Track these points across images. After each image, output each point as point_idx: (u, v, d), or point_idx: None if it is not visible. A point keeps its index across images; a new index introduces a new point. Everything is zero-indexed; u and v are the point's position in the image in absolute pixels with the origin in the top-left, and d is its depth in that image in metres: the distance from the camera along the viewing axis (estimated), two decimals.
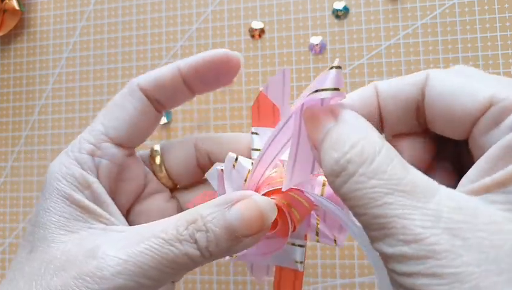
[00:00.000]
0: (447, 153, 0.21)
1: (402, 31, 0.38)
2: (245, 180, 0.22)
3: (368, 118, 0.18)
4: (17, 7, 0.43)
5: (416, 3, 0.38)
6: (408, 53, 0.37)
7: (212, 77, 0.24)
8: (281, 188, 0.20)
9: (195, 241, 0.19)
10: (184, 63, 0.24)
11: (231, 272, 0.38)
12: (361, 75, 0.38)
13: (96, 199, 0.22)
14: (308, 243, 0.37)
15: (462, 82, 0.17)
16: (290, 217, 0.20)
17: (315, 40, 0.39)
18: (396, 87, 0.19)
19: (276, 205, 0.20)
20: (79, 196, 0.21)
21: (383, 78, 0.37)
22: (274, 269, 0.25)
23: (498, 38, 0.36)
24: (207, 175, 0.24)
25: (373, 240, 0.16)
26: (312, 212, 0.23)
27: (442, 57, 0.37)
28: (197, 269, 0.38)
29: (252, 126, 0.24)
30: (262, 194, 0.20)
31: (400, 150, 0.20)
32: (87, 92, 0.42)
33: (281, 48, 0.39)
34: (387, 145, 0.16)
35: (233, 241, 0.19)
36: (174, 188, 0.29)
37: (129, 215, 0.27)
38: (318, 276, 0.37)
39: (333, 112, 0.17)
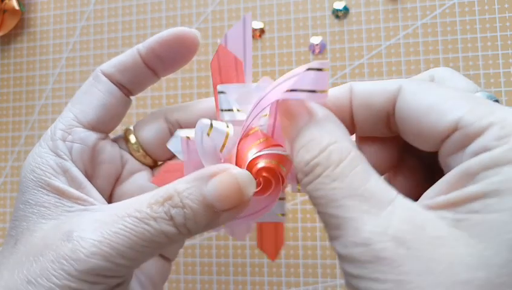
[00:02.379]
0: (412, 160, 0.21)
1: (402, 31, 0.38)
2: (223, 145, 0.21)
3: (340, 119, 0.18)
4: (17, 7, 0.43)
5: (416, 3, 0.38)
6: (408, 53, 0.37)
7: (171, 56, 0.24)
8: (266, 154, 0.19)
9: (171, 219, 0.18)
10: (143, 45, 0.24)
11: (231, 272, 0.38)
12: (361, 75, 0.38)
13: (73, 183, 0.22)
14: (308, 242, 0.37)
15: (432, 101, 0.17)
16: (281, 176, 0.20)
17: (315, 40, 0.39)
18: (369, 95, 0.19)
19: (269, 167, 0.19)
20: (56, 182, 0.21)
21: (383, 78, 0.37)
22: (255, 226, 0.25)
23: (498, 38, 0.36)
24: (168, 145, 0.23)
25: (330, 238, 0.17)
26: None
27: (442, 57, 0.37)
28: (197, 269, 0.38)
29: (216, 85, 0.22)
30: (251, 160, 0.19)
31: (367, 152, 0.20)
32: None
33: (281, 48, 0.39)
34: (354, 151, 0.17)
35: (212, 216, 0.19)
36: (155, 165, 0.28)
37: (112, 200, 0.26)
38: (318, 276, 0.37)
39: (308, 109, 0.18)
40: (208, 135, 0.20)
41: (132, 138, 0.26)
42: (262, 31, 0.40)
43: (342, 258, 0.16)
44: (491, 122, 0.15)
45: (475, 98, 0.17)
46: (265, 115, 0.20)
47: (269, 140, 0.20)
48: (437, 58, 0.37)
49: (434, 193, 0.16)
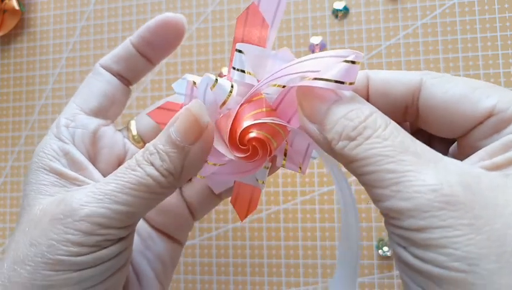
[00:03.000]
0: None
1: (402, 31, 0.38)
2: (223, 103, 0.21)
3: None
4: (17, 7, 0.43)
5: (416, 3, 0.38)
6: (408, 53, 0.37)
7: (160, 41, 0.26)
8: (261, 123, 0.20)
9: (152, 164, 0.20)
10: (134, 35, 0.26)
11: (231, 272, 0.38)
12: None
13: (74, 165, 0.24)
14: (308, 242, 0.37)
15: (461, 91, 0.18)
16: (269, 148, 0.20)
17: (315, 40, 0.39)
18: (388, 84, 0.20)
19: (259, 138, 0.20)
20: (56, 165, 0.23)
21: None
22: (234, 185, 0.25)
23: (498, 38, 0.36)
24: (174, 85, 0.24)
25: (382, 199, 0.16)
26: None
27: (442, 57, 0.37)
28: (197, 269, 0.38)
29: (237, 43, 0.22)
30: (244, 128, 0.20)
31: None
32: None
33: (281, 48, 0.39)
34: (393, 121, 0.18)
35: (182, 153, 0.20)
36: None
37: None
38: (318, 276, 0.37)
39: (334, 90, 0.19)
40: (211, 89, 0.21)
41: (134, 130, 0.28)
42: None
43: (402, 214, 0.15)
44: None
45: (496, 86, 0.18)
46: (275, 85, 0.20)
47: (272, 112, 0.20)
48: (437, 58, 0.37)
49: (473, 162, 0.17)
